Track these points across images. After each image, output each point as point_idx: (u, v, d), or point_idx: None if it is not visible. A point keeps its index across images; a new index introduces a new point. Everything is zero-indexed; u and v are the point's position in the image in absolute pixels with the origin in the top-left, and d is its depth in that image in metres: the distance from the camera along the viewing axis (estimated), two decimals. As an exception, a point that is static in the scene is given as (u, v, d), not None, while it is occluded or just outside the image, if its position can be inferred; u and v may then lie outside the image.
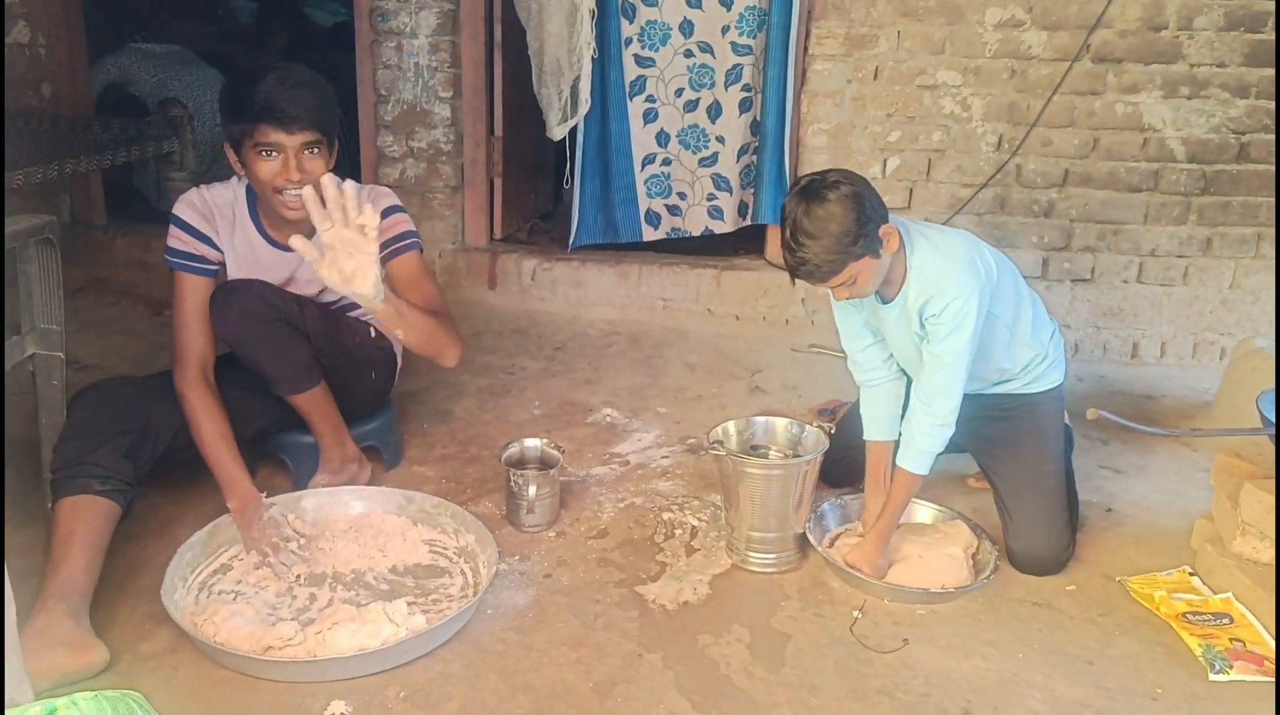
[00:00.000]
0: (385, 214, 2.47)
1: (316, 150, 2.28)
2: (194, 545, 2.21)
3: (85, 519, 2.05)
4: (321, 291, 2.54)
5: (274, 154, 2.24)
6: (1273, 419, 2.12)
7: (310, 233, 2.37)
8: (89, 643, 1.88)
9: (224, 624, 1.97)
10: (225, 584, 2.19)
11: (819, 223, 2.08)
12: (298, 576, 2.22)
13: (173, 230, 2.42)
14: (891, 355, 2.47)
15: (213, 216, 2.44)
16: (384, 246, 2.46)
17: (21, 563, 2.19)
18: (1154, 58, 3.60)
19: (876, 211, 2.14)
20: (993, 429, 2.50)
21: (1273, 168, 3.63)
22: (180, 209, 2.43)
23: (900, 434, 2.36)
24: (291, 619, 2.05)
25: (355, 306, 2.64)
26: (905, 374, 2.49)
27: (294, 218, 2.32)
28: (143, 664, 1.94)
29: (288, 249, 2.42)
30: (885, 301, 2.34)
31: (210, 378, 2.39)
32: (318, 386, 2.49)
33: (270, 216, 2.41)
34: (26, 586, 2.03)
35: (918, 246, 2.26)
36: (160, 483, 2.47)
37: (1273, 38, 3.51)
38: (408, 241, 2.49)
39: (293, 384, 2.45)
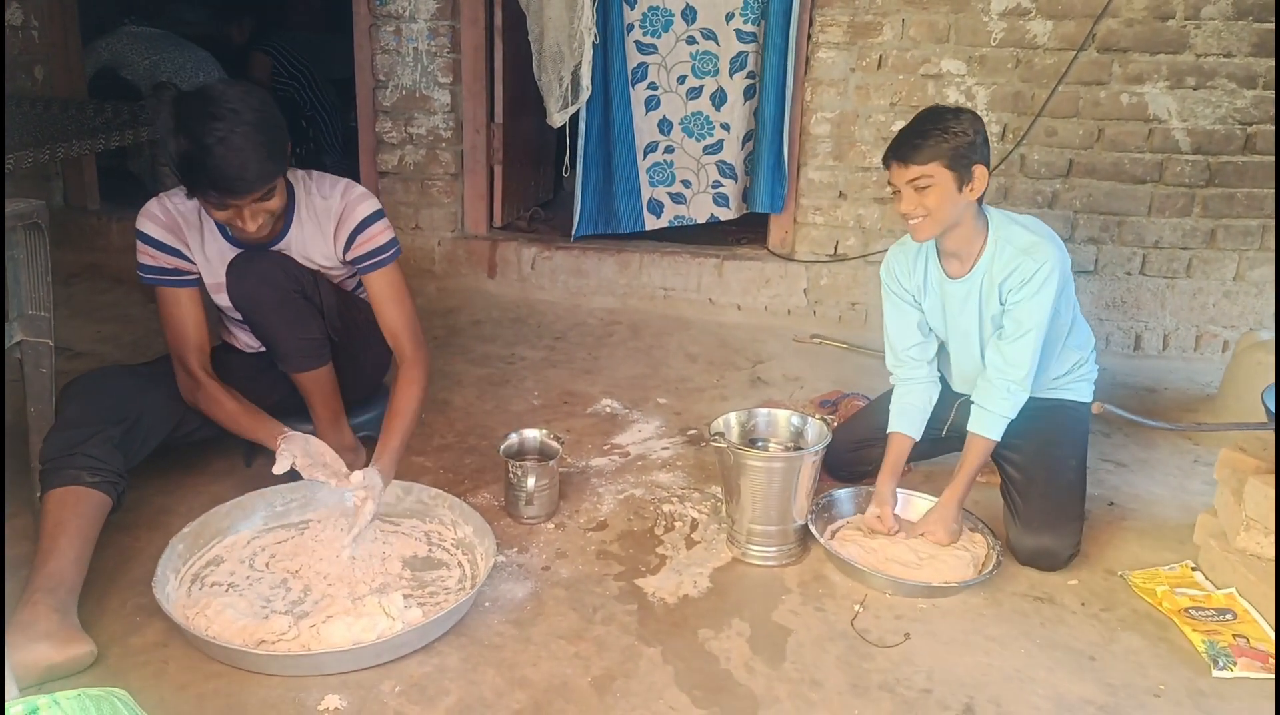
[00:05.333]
0: (364, 224, 2.40)
1: (270, 194, 2.19)
2: (186, 536, 2.18)
3: (74, 511, 2.02)
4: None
5: (227, 207, 2.16)
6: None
7: (269, 237, 2.37)
8: (75, 637, 1.85)
9: (216, 617, 1.94)
10: (218, 576, 2.16)
11: (942, 117, 2.25)
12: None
13: (140, 247, 2.33)
14: (934, 359, 2.53)
15: (179, 227, 2.34)
16: (361, 260, 2.43)
17: (9, 553, 2.16)
18: (1160, 47, 3.56)
19: (982, 152, 2.27)
20: (1022, 423, 2.41)
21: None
22: (144, 224, 2.32)
23: (970, 406, 2.40)
24: (285, 612, 2.03)
25: (359, 285, 2.60)
26: (940, 382, 2.54)
27: (251, 239, 2.30)
28: (133, 657, 1.92)
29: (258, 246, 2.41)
30: (953, 278, 2.40)
31: (210, 368, 2.37)
32: (325, 366, 2.47)
33: None
34: (15, 578, 2.00)
35: (999, 223, 2.37)
36: (153, 472, 2.44)
37: (1281, 27, 3.47)
38: (385, 255, 2.44)
39: (302, 360, 2.42)
